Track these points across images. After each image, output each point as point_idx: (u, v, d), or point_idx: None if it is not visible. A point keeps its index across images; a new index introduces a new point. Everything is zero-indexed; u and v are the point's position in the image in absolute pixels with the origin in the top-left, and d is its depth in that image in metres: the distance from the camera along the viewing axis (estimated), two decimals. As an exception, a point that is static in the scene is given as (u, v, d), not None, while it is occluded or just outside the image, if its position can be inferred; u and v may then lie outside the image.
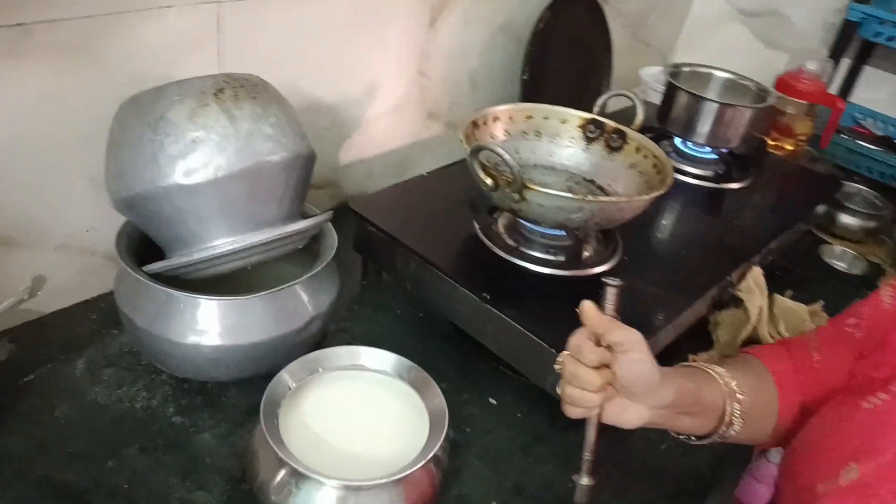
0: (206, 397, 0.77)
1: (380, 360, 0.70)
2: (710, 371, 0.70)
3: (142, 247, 0.76)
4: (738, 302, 0.98)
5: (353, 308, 0.94)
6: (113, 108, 0.70)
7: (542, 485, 0.73)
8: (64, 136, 0.77)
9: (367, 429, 0.67)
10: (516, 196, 0.79)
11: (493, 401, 0.83)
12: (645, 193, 0.84)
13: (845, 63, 1.67)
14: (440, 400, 0.66)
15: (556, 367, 0.62)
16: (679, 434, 0.70)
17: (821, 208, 1.29)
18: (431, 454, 0.60)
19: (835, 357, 0.72)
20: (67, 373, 0.77)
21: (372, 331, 0.91)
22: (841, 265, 1.23)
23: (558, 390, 0.62)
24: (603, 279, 0.61)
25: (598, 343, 0.59)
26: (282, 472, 0.60)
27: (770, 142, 1.41)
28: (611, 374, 0.59)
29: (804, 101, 1.38)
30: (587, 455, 0.61)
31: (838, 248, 1.25)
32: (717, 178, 1.16)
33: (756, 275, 0.99)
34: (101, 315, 0.84)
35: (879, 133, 1.63)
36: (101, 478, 0.67)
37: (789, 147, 1.41)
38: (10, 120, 0.72)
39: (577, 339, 0.60)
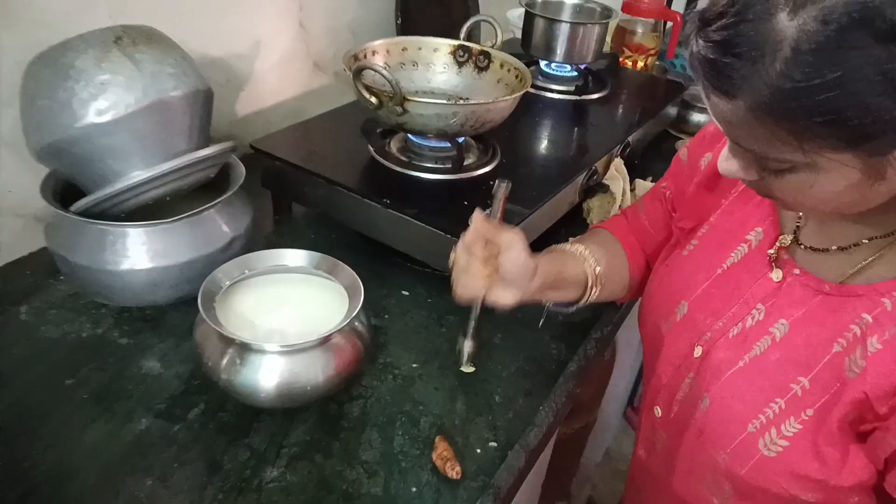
0: (147, 321, 0.85)
1: (298, 257, 0.80)
2: (572, 250, 0.84)
3: (66, 199, 0.83)
4: (605, 189, 1.14)
5: (272, 240, 1.04)
6: (12, 73, 0.76)
7: (452, 346, 0.85)
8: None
9: (294, 313, 0.77)
10: (399, 109, 0.90)
11: (405, 292, 0.95)
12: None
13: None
14: (353, 277, 0.77)
15: (449, 262, 0.74)
16: (549, 303, 0.84)
17: (673, 111, 1.47)
18: (350, 317, 0.72)
19: (655, 215, 0.88)
20: (13, 318, 0.83)
21: (290, 254, 1.01)
22: (693, 155, 1.41)
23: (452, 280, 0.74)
24: (493, 182, 0.73)
25: (485, 241, 0.71)
26: (227, 351, 0.69)
27: (624, 59, 1.58)
28: (494, 266, 0.71)
29: (648, 19, 1.55)
30: (472, 324, 0.76)
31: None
32: (577, 91, 1.32)
33: (618, 164, 1.15)
34: (35, 269, 0.90)
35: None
36: (62, 396, 0.74)
37: (642, 62, 1.59)
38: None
39: (469, 238, 0.71)
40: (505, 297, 0.73)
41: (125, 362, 0.79)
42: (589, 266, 0.82)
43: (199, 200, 0.85)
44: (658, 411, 0.77)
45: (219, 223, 0.85)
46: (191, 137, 0.82)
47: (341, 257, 0.79)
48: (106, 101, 0.74)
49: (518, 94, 0.95)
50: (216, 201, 0.84)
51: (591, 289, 0.83)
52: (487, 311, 0.75)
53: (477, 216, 0.71)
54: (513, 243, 0.71)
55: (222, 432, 0.72)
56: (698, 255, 0.76)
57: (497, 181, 0.73)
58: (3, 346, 0.79)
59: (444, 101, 0.90)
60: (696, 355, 0.70)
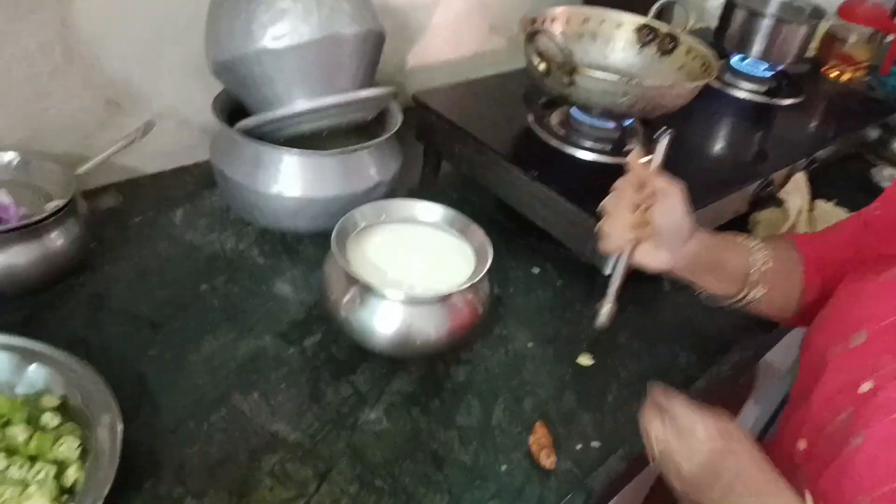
0: (285, 246, 0.88)
1: (435, 211, 0.79)
2: (741, 240, 0.76)
3: (233, 119, 0.87)
4: (779, 203, 1.03)
5: (416, 192, 1.04)
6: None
7: (574, 333, 0.82)
8: (166, 15, 0.88)
9: (420, 265, 0.76)
10: (566, 79, 0.86)
11: (535, 269, 0.91)
12: (689, 85, 0.90)
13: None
14: (483, 239, 0.75)
15: (598, 208, 0.71)
16: (702, 292, 0.77)
17: (874, 133, 1.31)
18: (474, 280, 0.70)
19: (852, 235, 0.77)
20: (167, 220, 0.89)
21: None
22: (888, 184, 1.25)
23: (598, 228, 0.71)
24: (655, 135, 0.69)
25: (641, 189, 0.67)
26: (350, 290, 0.70)
27: (828, 68, 1.42)
28: (646, 218, 0.67)
29: (865, 28, 1.38)
30: (612, 286, 0.69)
31: (888, 170, 1.27)
32: (768, 94, 1.20)
33: (799, 179, 1.04)
34: (195, 179, 0.96)
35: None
36: (195, 298, 0.79)
37: (849, 74, 1.42)
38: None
39: (622, 181, 0.68)
40: (653, 258, 0.68)
41: (257, 280, 0.82)
42: (755, 260, 0.74)
43: (353, 140, 0.86)
44: (802, 444, 0.69)
45: (368, 165, 0.86)
46: (356, 76, 0.83)
47: (478, 222, 0.77)
48: (282, 28, 0.76)
49: (699, 84, 0.88)
50: (370, 143, 0.84)
51: (753, 286, 0.74)
52: (633, 278, 0.69)
53: (633, 156, 0.67)
54: (670, 192, 0.65)
55: (332, 365, 0.73)
56: (894, 283, 0.66)
57: (662, 129, 0.69)
58: (155, 246, 0.85)
59: (616, 78, 0.85)
60: (862, 390, 0.61)
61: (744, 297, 0.76)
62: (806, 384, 0.71)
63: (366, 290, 0.69)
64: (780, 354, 1.39)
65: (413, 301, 0.69)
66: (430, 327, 0.70)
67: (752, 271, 0.74)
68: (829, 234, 0.80)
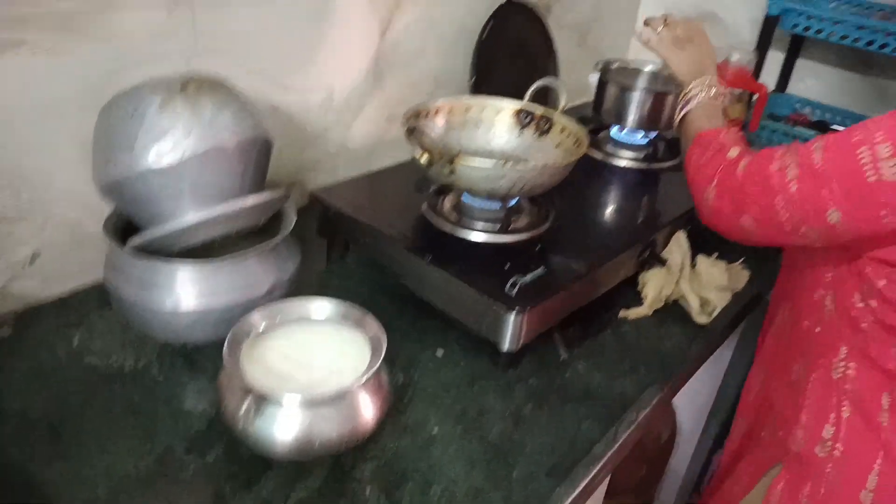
0: (185, 357, 0.88)
1: (327, 306, 0.81)
2: None
3: (128, 235, 0.88)
4: (663, 262, 1.09)
5: (324, 280, 1.05)
6: (100, 101, 0.82)
7: (481, 411, 0.83)
8: (57, 106, 0.90)
9: (319, 364, 0.77)
10: (447, 168, 0.91)
11: (440, 351, 0.93)
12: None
13: (779, 57, 1.81)
14: (378, 331, 0.76)
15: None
16: None
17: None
18: (371, 372, 0.71)
19: None
20: (63, 346, 0.88)
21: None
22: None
23: None
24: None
25: None
26: (246, 399, 0.70)
27: (705, 129, 1.53)
28: None
29: (733, 89, 1.50)
30: None
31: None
32: (647, 159, 1.29)
33: (680, 237, 1.10)
34: (94, 298, 0.96)
35: (815, 119, 1.76)
36: (92, 419, 0.77)
37: (723, 132, 1.53)
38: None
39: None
40: None
41: (157, 396, 0.82)
42: None
43: (249, 244, 0.87)
44: None
45: (264, 268, 0.87)
46: (244, 184, 0.85)
47: (387, 307, 0.80)
48: (164, 146, 0.78)
49: (570, 162, 0.94)
50: (261, 246, 0.86)
51: None
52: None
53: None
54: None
55: (235, 477, 0.72)
56: None
57: None
58: (50, 370, 0.84)
59: (491, 164, 0.90)
60: None
61: None
62: None
63: (261, 398, 0.69)
64: (697, 413, 1.43)
65: (310, 403, 0.69)
66: (332, 428, 0.70)
67: None
68: None
